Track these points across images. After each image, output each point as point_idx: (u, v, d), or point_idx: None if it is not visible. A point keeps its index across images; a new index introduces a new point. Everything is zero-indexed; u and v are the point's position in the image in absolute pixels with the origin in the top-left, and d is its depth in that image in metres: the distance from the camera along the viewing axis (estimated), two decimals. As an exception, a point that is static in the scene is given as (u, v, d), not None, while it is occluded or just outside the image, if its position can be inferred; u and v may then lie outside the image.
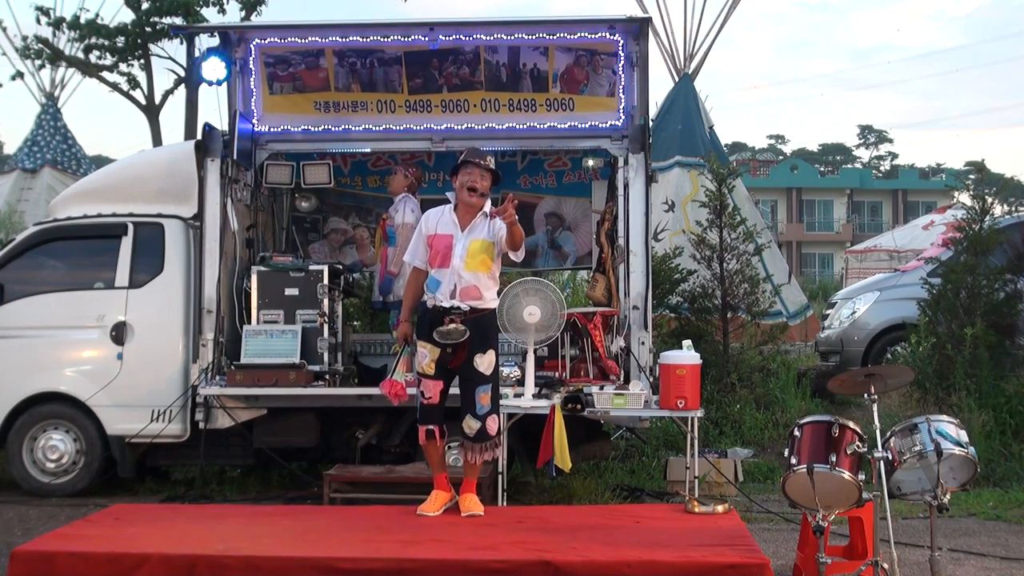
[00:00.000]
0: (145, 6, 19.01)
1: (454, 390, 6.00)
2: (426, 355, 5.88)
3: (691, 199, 13.83)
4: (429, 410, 5.93)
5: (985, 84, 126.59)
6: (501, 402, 6.33)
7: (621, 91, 8.02)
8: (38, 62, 20.80)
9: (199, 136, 8.24)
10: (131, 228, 8.27)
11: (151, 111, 20.46)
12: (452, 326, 5.78)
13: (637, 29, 7.95)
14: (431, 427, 5.94)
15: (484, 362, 5.86)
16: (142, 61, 19.96)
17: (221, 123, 8.27)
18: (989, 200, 10.26)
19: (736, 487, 7.99)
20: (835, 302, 12.25)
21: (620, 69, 7.99)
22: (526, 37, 8.05)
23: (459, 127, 8.22)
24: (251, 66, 8.25)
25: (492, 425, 5.92)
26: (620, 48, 7.96)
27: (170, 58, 19.78)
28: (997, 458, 8.68)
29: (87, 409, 8.05)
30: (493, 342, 5.97)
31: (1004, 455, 8.74)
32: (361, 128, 8.34)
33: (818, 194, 54.89)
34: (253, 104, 8.30)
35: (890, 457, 5.06)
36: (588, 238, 9.44)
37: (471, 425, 5.88)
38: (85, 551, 5.06)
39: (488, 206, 5.93)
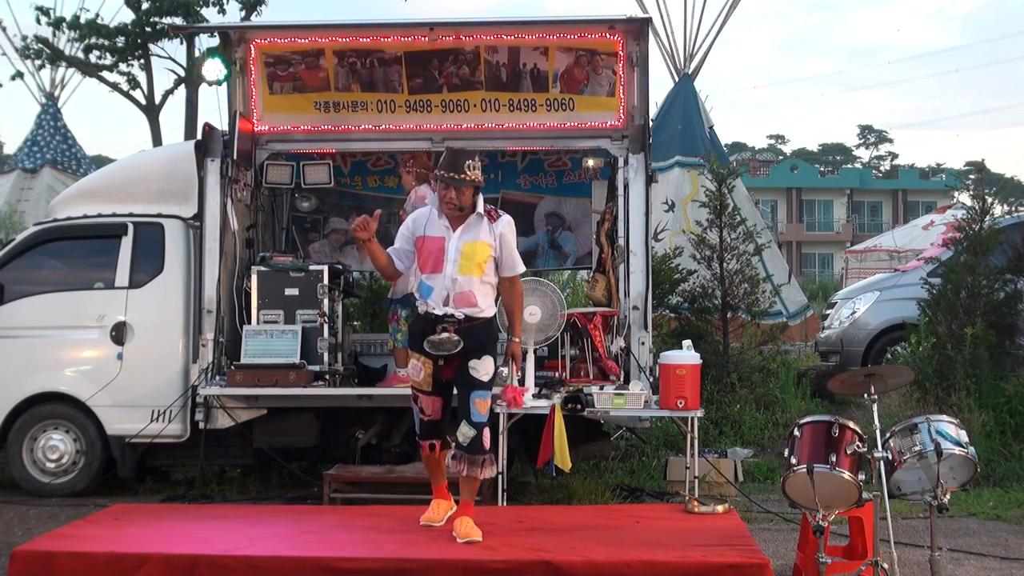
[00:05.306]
0: (145, 6, 19.03)
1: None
2: (420, 369, 5.48)
3: (691, 199, 13.82)
4: (431, 426, 5.59)
5: (985, 84, 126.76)
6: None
7: (621, 91, 8.01)
8: (38, 62, 20.82)
9: (199, 136, 8.24)
10: (131, 228, 8.26)
11: (151, 111, 20.49)
12: (444, 335, 5.34)
13: (637, 29, 7.95)
14: (433, 441, 5.63)
15: (482, 368, 5.44)
16: (142, 61, 20.00)
17: (221, 123, 8.28)
18: (989, 200, 10.26)
19: (736, 487, 7.99)
20: (835, 302, 12.25)
21: (620, 69, 7.99)
22: (526, 37, 8.04)
23: (459, 127, 8.20)
24: (251, 66, 8.24)
25: (487, 438, 5.46)
26: (620, 48, 7.95)
27: (170, 58, 19.86)
28: (997, 458, 8.68)
29: (87, 409, 8.04)
30: (491, 348, 5.52)
31: (1004, 455, 8.73)
32: (361, 128, 8.33)
33: (818, 194, 54.92)
34: (253, 104, 8.30)
35: (890, 457, 5.07)
36: (588, 238, 9.43)
37: (466, 432, 5.41)
38: (85, 551, 5.06)
39: (481, 206, 5.50)
